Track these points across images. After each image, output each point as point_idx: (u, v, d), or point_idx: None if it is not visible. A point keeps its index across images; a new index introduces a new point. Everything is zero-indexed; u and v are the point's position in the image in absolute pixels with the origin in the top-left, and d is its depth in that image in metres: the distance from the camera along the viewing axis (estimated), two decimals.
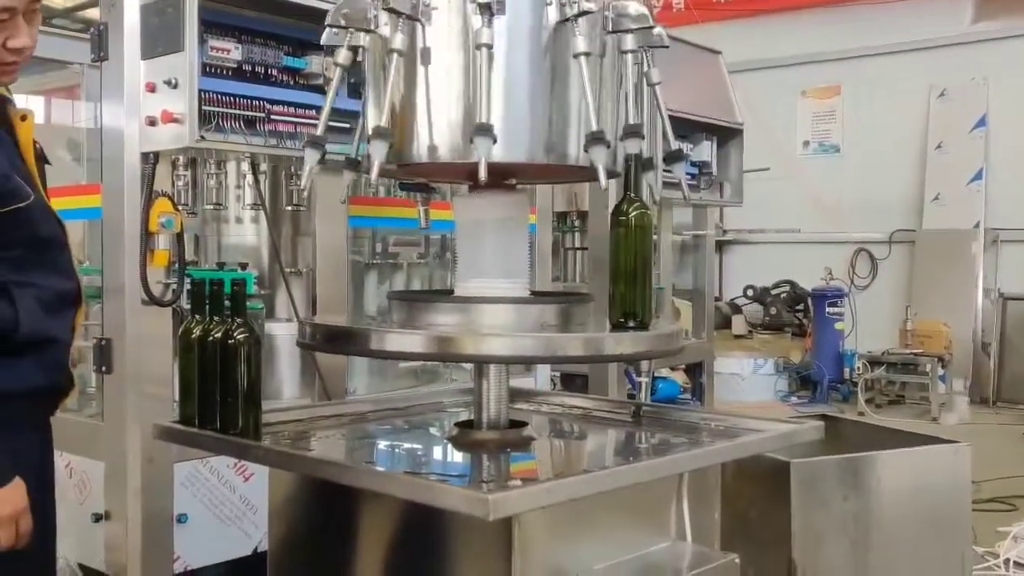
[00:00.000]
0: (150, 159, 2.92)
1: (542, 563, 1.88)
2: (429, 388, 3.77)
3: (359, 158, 2.20)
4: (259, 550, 3.20)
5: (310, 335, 2.20)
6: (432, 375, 4.23)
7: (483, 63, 1.96)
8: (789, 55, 11.43)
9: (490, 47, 1.95)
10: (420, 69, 2.03)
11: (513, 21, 2.01)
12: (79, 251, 3.44)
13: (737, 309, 11.36)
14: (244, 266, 3.66)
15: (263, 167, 3.60)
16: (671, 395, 6.60)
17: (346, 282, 3.66)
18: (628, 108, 2.13)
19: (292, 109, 3.11)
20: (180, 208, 3.08)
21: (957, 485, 3.35)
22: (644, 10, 2.08)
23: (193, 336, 2.10)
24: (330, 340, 2.18)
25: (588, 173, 2.07)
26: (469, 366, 3.01)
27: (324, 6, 2.53)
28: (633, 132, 2.09)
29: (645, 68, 2.18)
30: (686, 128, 5.14)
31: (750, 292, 11.39)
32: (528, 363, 3.55)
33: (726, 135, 5.57)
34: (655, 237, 5.05)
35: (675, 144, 2.27)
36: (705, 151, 5.39)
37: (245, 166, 3.65)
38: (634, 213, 2.13)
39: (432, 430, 2.58)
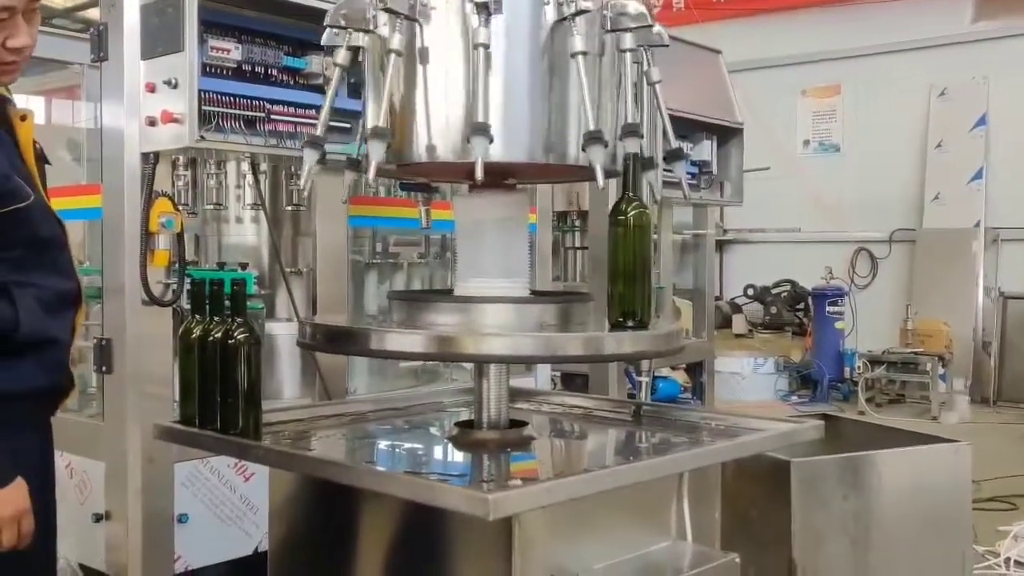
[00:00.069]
0: (150, 159, 2.92)
1: (542, 563, 1.88)
2: (429, 388, 3.77)
3: (360, 158, 2.20)
4: (260, 550, 3.20)
5: (310, 335, 2.20)
6: (432, 375, 4.23)
7: (480, 63, 1.96)
8: (789, 54, 11.43)
9: (487, 47, 1.95)
10: (419, 69, 2.03)
11: (512, 21, 2.01)
12: (79, 251, 3.44)
13: (737, 308, 11.36)
14: (244, 266, 3.67)
15: (263, 167, 3.60)
16: (671, 394, 6.60)
17: (346, 282, 3.66)
18: (627, 107, 2.12)
19: (292, 109, 3.12)
20: (180, 208, 3.08)
21: (957, 484, 3.34)
22: (643, 9, 2.07)
23: (193, 336, 2.10)
24: (330, 340, 2.18)
25: (588, 173, 2.07)
26: (469, 366, 3.01)
27: (324, 6, 2.52)
28: (631, 131, 2.08)
29: (645, 67, 2.18)
30: (686, 127, 5.15)
31: (750, 291, 11.39)
32: (528, 363, 3.55)
33: (726, 134, 5.58)
34: (655, 237, 5.05)
35: (675, 143, 2.27)
36: (705, 150, 5.39)
37: (245, 166, 3.65)
38: (632, 212, 2.12)
39: (432, 430, 2.58)
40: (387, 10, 1.99)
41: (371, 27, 2.03)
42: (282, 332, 3.66)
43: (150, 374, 2.94)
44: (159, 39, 2.84)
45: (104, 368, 2.97)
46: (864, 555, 3.10)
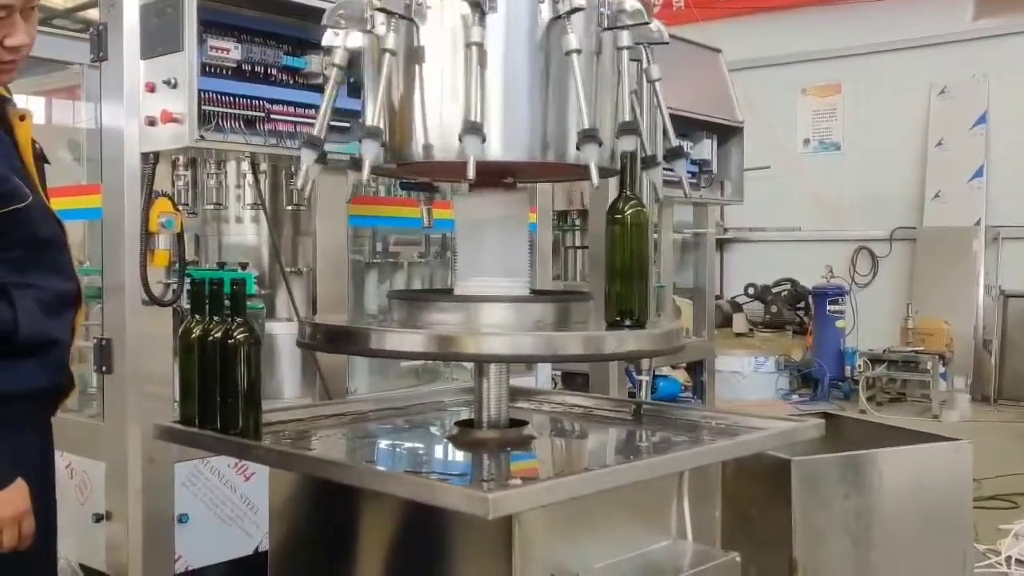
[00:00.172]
0: (150, 159, 2.92)
1: (542, 562, 1.88)
2: (430, 387, 3.76)
3: (359, 157, 2.19)
4: (260, 550, 3.20)
5: (310, 335, 2.20)
6: (433, 374, 4.23)
7: (474, 61, 1.95)
8: (789, 53, 11.43)
9: (481, 45, 1.95)
10: (415, 68, 2.03)
11: (509, 19, 2.00)
12: (79, 251, 3.45)
13: (738, 307, 11.37)
14: (244, 266, 3.67)
15: (263, 167, 3.60)
16: (672, 393, 6.58)
17: (346, 282, 3.66)
18: (624, 105, 2.12)
19: (292, 109, 3.12)
20: (180, 208, 3.08)
21: (958, 483, 3.34)
22: (640, 6, 2.06)
23: (193, 336, 2.10)
24: (330, 339, 2.18)
25: (587, 171, 2.07)
26: (469, 365, 3.01)
27: (324, 6, 2.52)
28: (628, 129, 2.06)
29: (645, 65, 2.17)
30: (686, 126, 5.15)
31: (751, 290, 11.40)
32: (528, 362, 3.55)
33: (726, 133, 5.58)
34: (655, 236, 5.05)
35: (675, 142, 2.26)
36: (705, 149, 5.39)
37: (245, 166, 3.65)
38: (630, 211, 2.12)
39: (433, 429, 2.58)
40: (382, 10, 1.99)
41: (368, 27, 2.03)
42: (282, 332, 3.66)
43: (150, 374, 2.94)
44: (159, 39, 2.84)
45: (104, 368, 2.97)
46: (865, 554, 3.09)
